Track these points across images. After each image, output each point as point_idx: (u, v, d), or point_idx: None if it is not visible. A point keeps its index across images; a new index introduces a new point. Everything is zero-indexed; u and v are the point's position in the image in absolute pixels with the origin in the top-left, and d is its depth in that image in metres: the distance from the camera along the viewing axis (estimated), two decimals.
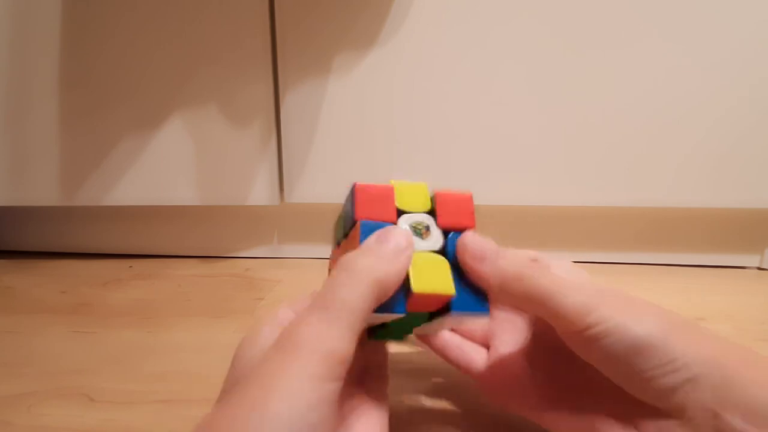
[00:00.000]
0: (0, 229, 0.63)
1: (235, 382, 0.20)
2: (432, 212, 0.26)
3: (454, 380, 0.34)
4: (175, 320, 0.45)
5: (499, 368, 0.29)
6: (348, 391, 0.22)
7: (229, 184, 0.54)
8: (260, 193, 0.54)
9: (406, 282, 0.22)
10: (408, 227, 0.25)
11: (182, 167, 0.54)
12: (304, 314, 0.20)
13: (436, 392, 0.33)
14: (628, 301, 0.23)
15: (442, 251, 0.25)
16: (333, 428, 0.19)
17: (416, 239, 0.24)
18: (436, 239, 0.25)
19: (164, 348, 0.40)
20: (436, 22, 0.49)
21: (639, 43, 0.48)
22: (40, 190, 0.55)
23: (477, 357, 0.30)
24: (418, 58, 0.50)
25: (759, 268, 0.56)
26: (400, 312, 0.22)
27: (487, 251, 0.24)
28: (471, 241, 0.24)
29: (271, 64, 0.51)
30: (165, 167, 0.54)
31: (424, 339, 0.31)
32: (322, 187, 0.54)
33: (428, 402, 0.32)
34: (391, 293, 0.21)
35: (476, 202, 0.58)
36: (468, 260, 0.24)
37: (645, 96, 0.49)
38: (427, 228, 0.25)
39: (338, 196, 0.56)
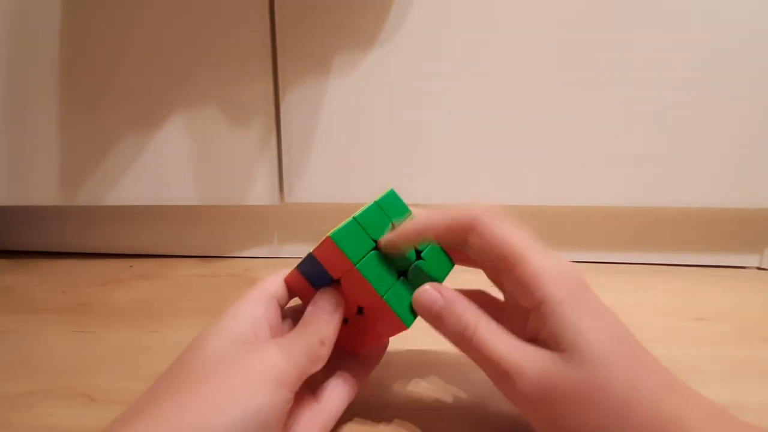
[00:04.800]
0: (0, 229, 0.63)
1: (198, 366, 0.23)
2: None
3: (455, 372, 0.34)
4: (175, 320, 0.45)
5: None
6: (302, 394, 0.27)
7: (229, 184, 0.54)
8: (260, 193, 0.54)
9: None
10: None
11: (182, 167, 0.54)
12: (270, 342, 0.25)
13: (436, 384, 0.33)
14: (595, 406, 0.22)
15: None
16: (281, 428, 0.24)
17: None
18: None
19: (164, 348, 0.40)
20: (436, 21, 0.49)
21: (641, 43, 0.48)
22: (40, 189, 0.55)
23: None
24: (419, 58, 0.50)
25: (759, 268, 0.56)
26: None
27: (434, 309, 0.26)
28: (420, 297, 0.27)
29: (271, 64, 0.51)
30: (165, 167, 0.54)
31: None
32: (322, 187, 0.54)
33: (428, 395, 0.32)
34: (331, 344, 0.27)
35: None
36: (422, 314, 0.27)
37: (645, 96, 0.49)
38: None
39: (338, 196, 0.56)
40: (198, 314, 0.46)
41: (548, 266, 0.24)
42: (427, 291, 0.27)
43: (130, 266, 0.58)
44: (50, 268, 0.57)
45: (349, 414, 0.29)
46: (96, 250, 0.61)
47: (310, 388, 0.28)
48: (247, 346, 0.24)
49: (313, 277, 0.28)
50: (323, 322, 0.26)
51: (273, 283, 0.29)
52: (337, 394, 0.28)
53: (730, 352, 0.39)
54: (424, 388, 0.34)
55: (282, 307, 0.29)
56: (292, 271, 0.29)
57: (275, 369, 0.23)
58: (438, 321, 0.26)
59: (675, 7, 0.47)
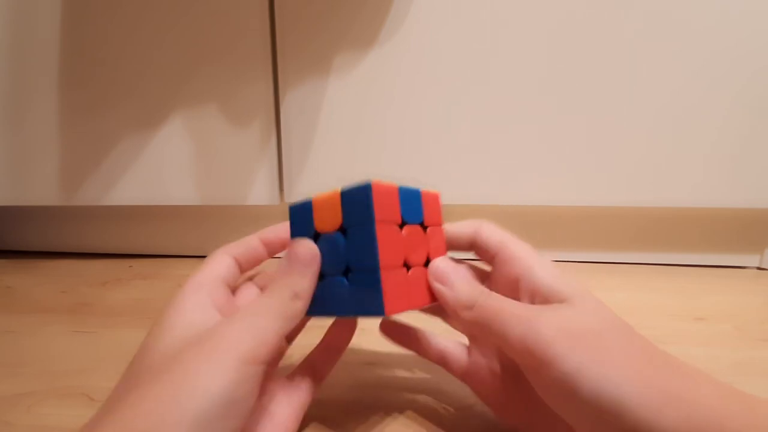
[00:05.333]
0: (0, 229, 0.63)
1: (151, 366, 0.22)
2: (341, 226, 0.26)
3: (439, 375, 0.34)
4: None
5: (473, 369, 0.30)
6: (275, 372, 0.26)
7: (229, 184, 0.54)
8: (260, 193, 0.54)
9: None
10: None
11: (182, 167, 0.54)
12: (231, 318, 0.24)
13: (419, 386, 0.33)
14: (595, 342, 0.21)
15: None
16: (253, 405, 0.22)
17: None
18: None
19: None
20: (436, 21, 0.49)
21: (641, 44, 0.48)
22: (40, 189, 0.55)
23: (454, 352, 0.31)
24: (418, 58, 0.50)
25: (759, 268, 0.56)
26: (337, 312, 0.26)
27: (450, 276, 0.26)
28: (438, 265, 0.27)
29: (271, 64, 0.51)
30: (165, 167, 0.54)
31: (391, 334, 0.31)
32: (322, 187, 0.53)
33: (412, 396, 0.32)
34: (307, 296, 0.25)
35: (477, 201, 0.59)
36: (432, 281, 0.26)
37: (645, 96, 0.49)
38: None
39: None
40: None
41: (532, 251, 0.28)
42: (443, 260, 0.28)
43: (130, 266, 0.58)
44: (50, 268, 0.57)
45: (348, 414, 0.29)
46: (96, 250, 0.62)
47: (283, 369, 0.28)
48: (201, 335, 0.23)
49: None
50: (297, 273, 0.25)
51: (217, 263, 0.28)
52: (308, 379, 0.28)
53: (730, 352, 0.39)
54: (423, 388, 0.34)
55: (232, 284, 0.28)
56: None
57: (239, 347, 0.21)
58: (452, 289, 0.26)
59: (675, 8, 0.47)
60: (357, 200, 0.26)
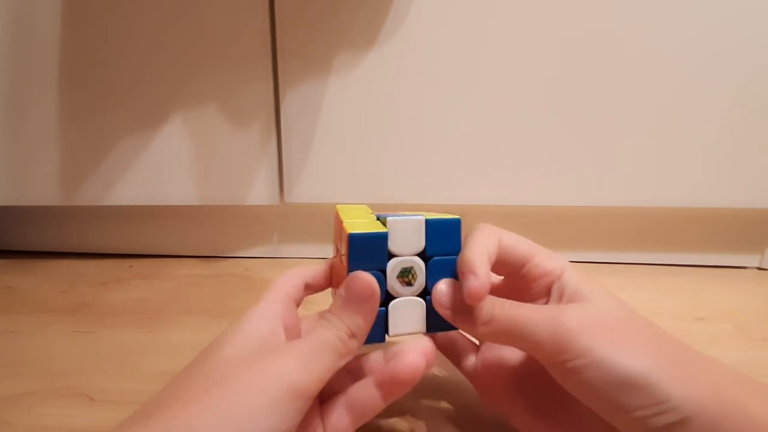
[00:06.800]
0: (0, 229, 0.63)
1: (209, 371, 0.23)
2: (423, 252, 0.27)
3: (451, 378, 0.34)
4: (175, 320, 0.45)
5: (484, 371, 0.30)
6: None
7: (229, 184, 0.54)
8: (260, 193, 0.54)
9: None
10: (395, 277, 0.27)
11: (182, 167, 0.54)
12: (291, 344, 0.24)
13: (434, 389, 0.33)
14: (620, 331, 0.23)
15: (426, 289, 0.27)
16: None
17: (403, 287, 0.27)
18: (422, 282, 0.27)
19: (164, 348, 0.40)
20: (436, 20, 0.49)
21: (641, 44, 0.48)
22: (40, 189, 0.55)
23: (470, 354, 0.31)
24: (419, 58, 0.50)
25: (759, 268, 0.56)
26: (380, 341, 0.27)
27: (457, 301, 0.25)
28: (441, 291, 0.26)
29: (271, 64, 0.51)
30: (165, 167, 0.54)
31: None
32: (322, 187, 0.54)
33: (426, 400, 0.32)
34: (363, 334, 0.25)
35: (477, 202, 0.58)
36: (441, 312, 0.26)
37: (645, 96, 0.49)
38: (415, 274, 0.27)
39: (338, 196, 0.56)
40: (198, 314, 0.46)
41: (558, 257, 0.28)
42: (445, 284, 0.26)
43: (130, 266, 0.58)
44: (50, 268, 0.57)
45: None
46: (96, 250, 0.62)
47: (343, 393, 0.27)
48: (262, 352, 0.23)
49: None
50: (353, 310, 0.25)
51: (289, 282, 0.28)
52: (367, 405, 0.27)
53: (730, 352, 0.39)
54: (423, 389, 0.34)
55: (298, 303, 0.28)
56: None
57: (288, 380, 0.21)
58: (465, 311, 0.25)
59: (675, 8, 0.47)
60: (445, 232, 0.27)
